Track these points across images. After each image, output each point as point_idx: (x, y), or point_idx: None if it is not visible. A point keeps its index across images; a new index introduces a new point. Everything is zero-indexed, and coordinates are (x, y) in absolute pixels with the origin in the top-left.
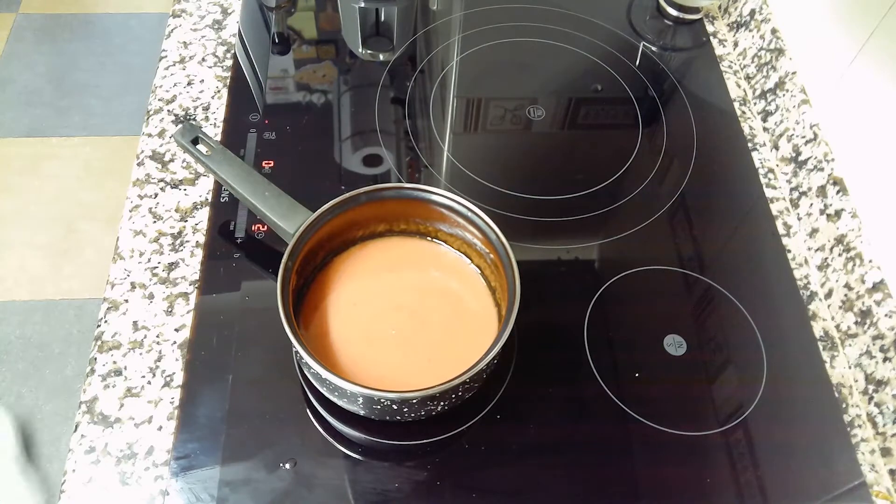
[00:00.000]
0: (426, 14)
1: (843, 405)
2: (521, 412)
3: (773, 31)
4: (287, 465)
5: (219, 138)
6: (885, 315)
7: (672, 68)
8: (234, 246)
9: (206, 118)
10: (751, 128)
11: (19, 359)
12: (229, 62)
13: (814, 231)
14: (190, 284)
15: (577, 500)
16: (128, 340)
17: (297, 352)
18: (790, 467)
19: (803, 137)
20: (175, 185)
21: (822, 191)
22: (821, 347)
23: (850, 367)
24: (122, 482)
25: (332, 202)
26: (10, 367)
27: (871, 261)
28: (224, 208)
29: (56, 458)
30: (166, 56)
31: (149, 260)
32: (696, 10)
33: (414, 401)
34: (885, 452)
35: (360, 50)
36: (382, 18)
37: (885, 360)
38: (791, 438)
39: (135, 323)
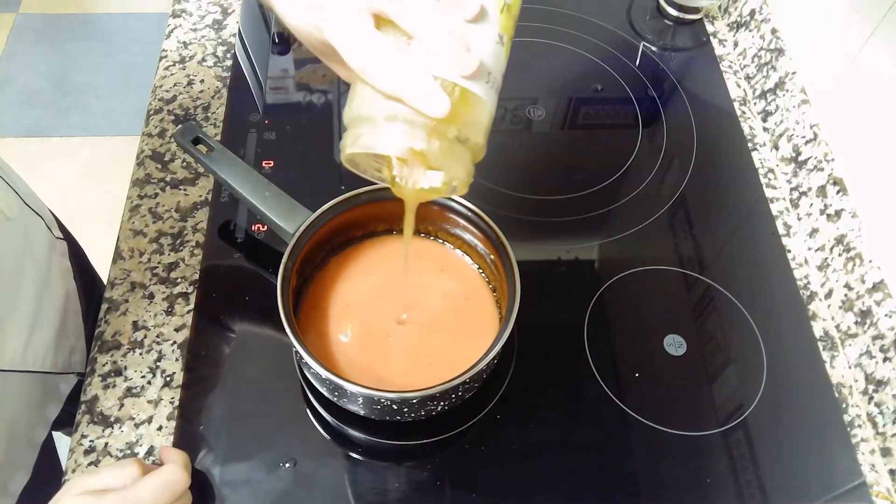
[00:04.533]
0: None
1: (843, 405)
2: (521, 412)
3: (773, 31)
4: (287, 465)
5: (219, 138)
6: (885, 315)
7: (672, 68)
8: (234, 246)
9: (206, 118)
10: (751, 128)
11: None
12: (229, 62)
13: (814, 231)
14: (190, 284)
15: (577, 500)
16: (128, 340)
17: (297, 352)
18: (790, 467)
19: (803, 137)
20: (175, 185)
21: (822, 191)
22: (821, 347)
23: (850, 367)
24: None
25: (332, 202)
26: None
27: (871, 261)
28: (224, 208)
29: None
30: (166, 56)
31: (149, 260)
32: (696, 10)
33: (414, 401)
34: (885, 452)
35: None
36: None
37: (885, 360)
38: (791, 438)
39: (135, 323)
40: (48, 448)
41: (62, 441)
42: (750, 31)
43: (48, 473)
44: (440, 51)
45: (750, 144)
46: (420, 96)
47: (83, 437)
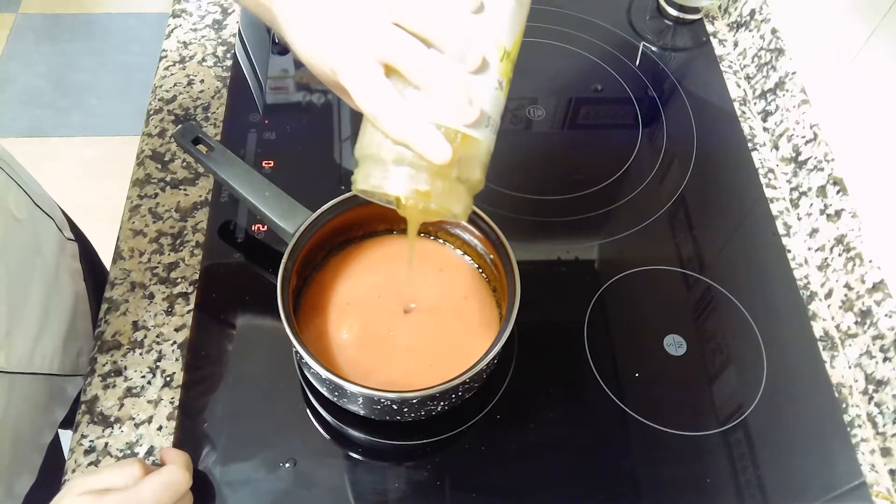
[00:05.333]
0: None
1: (843, 405)
2: (521, 412)
3: (773, 31)
4: (287, 465)
5: (219, 138)
6: (885, 315)
7: (672, 68)
8: (234, 246)
9: (206, 118)
10: (751, 128)
11: None
12: (229, 62)
13: (814, 231)
14: (190, 284)
15: (577, 500)
16: (128, 340)
17: (297, 352)
18: (790, 467)
19: (803, 137)
20: (175, 185)
21: (822, 191)
22: (821, 347)
23: (850, 367)
24: None
25: (332, 202)
26: None
27: (871, 261)
28: (224, 208)
29: None
30: (166, 56)
31: (149, 260)
32: (696, 10)
33: (414, 401)
34: (885, 452)
35: None
36: None
37: (885, 360)
38: (791, 438)
39: (135, 323)
40: (54, 450)
41: (68, 438)
42: (750, 31)
43: (54, 475)
44: (444, 102)
45: (750, 144)
46: (425, 144)
47: (83, 437)
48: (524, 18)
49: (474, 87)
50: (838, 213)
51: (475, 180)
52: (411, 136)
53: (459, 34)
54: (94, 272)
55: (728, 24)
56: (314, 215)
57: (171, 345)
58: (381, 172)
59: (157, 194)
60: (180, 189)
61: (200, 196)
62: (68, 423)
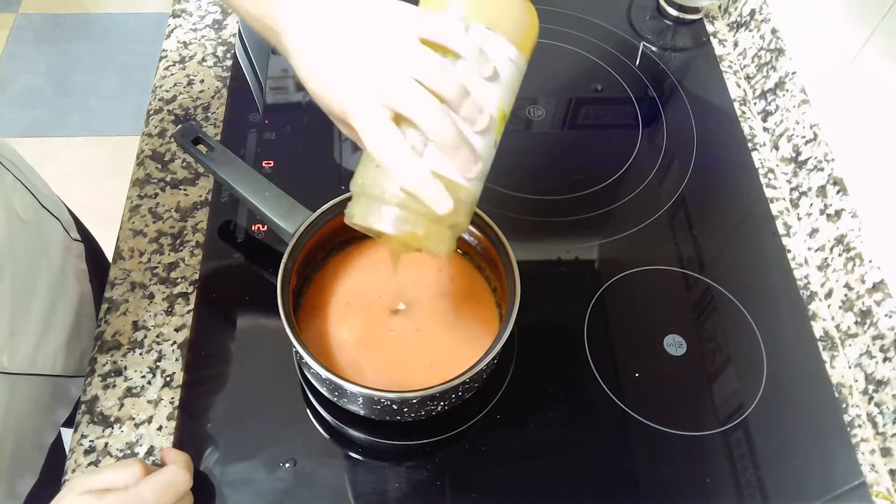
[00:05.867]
0: None
1: (843, 405)
2: (521, 412)
3: (773, 31)
4: (287, 465)
5: (219, 138)
6: (885, 315)
7: (672, 68)
8: (234, 246)
9: (206, 118)
10: (751, 128)
11: None
12: (229, 62)
13: (814, 231)
14: (190, 284)
15: (577, 500)
16: (128, 340)
17: (297, 352)
18: (790, 467)
19: (803, 137)
20: (175, 185)
21: (822, 191)
22: (821, 347)
23: (850, 367)
24: None
25: (332, 202)
26: None
27: (871, 261)
28: (224, 208)
29: None
30: (166, 56)
31: (149, 260)
32: (696, 10)
33: (414, 401)
34: (885, 452)
35: None
36: None
37: (885, 360)
38: (791, 438)
39: (135, 323)
40: (57, 450)
41: (69, 437)
42: (750, 31)
43: (56, 475)
44: (454, 159)
45: (750, 144)
46: (430, 195)
47: (83, 437)
48: (520, 82)
49: (476, 143)
50: (838, 213)
51: (461, 224)
52: (417, 186)
53: (473, 100)
54: (100, 273)
55: (728, 24)
56: (314, 215)
57: (171, 345)
58: (379, 212)
59: (157, 194)
60: (180, 189)
61: (200, 196)
62: (71, 422)
